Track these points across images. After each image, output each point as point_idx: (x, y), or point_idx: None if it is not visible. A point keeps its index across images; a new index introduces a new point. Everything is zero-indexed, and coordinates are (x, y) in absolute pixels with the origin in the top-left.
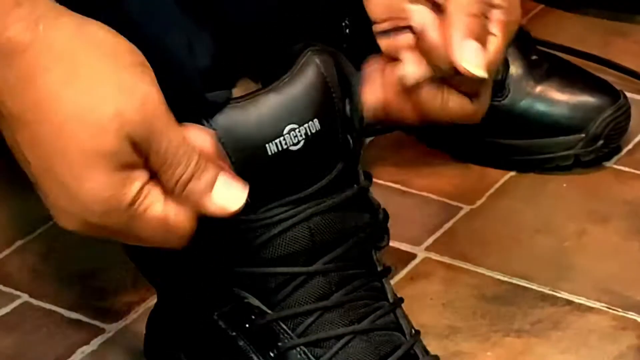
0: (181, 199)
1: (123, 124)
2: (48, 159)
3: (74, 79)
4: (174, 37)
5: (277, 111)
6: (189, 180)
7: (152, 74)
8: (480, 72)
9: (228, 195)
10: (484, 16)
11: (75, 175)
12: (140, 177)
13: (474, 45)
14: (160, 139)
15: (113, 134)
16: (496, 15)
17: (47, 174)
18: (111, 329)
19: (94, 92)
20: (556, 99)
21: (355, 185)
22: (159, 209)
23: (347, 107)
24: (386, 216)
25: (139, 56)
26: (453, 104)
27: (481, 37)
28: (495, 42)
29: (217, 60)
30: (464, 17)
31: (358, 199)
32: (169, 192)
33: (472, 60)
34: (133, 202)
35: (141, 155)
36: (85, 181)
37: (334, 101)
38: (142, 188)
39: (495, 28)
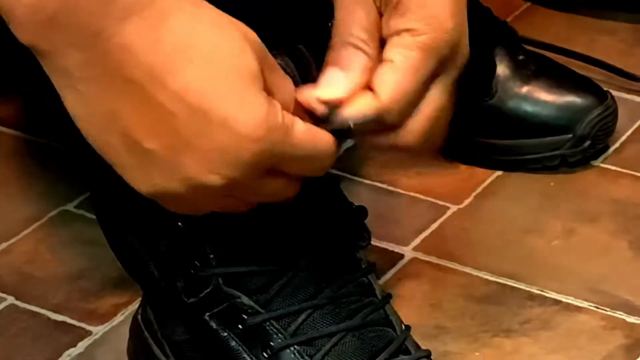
0: None
1: (251, 43)
2: (201, 97)
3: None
4: None
5: None
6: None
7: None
8: (329, 96)
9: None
10: (375, 44)
11: (232, 101)
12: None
13: (334, 72)
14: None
15: (250, 53)
16: (405, 40)
17: (199, 118)
18: (98, 331)
19: (220, 21)
20: (543, 100)
21: (327, 182)
22: (301, 123)
23: None
24: (364, 213)
25: None
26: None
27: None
28: (390, 71)
29: None
30: (338, 47)
31: (332, 196)
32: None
33: (327, 87)
34: (283, 118)
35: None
36: (242, 103)
37: None
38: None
39: (398, 54)
